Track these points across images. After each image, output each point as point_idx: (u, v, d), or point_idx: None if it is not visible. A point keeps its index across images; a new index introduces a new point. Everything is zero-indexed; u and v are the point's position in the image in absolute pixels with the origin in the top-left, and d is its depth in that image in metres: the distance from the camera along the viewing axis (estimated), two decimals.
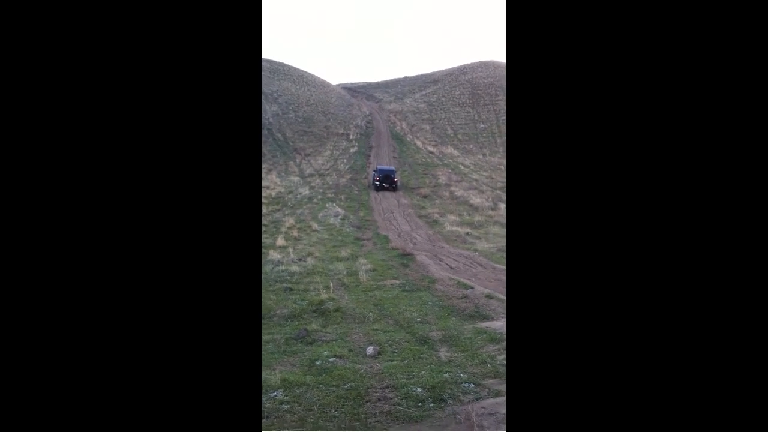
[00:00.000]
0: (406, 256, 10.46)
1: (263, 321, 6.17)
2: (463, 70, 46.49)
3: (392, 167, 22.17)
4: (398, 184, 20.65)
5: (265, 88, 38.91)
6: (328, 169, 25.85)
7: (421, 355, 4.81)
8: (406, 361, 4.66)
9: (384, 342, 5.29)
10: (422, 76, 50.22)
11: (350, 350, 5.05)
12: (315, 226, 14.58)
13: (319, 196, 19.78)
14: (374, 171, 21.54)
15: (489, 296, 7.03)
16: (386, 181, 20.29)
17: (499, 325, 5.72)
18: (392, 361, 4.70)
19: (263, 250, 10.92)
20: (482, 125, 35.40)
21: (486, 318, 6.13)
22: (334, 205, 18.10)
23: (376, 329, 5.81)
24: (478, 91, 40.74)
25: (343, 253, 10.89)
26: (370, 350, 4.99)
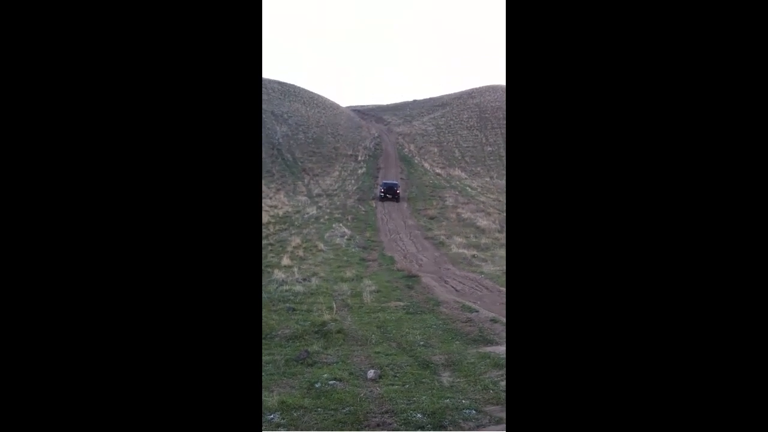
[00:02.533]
0: (412, 278, 10.38)
1: (264, 341, 6.11)
2: (471, 93, 46.92)
3: (396, 181, 25.01)
4: (400, 195, 23.40)
5: (275, 109, 39.50)
6: (335, 190, 25.95)
7: (423, 380, 4.72)
8: (407, 386, 4.57)
9: (385, 365, 5.20)
10: (431, 99, 50.76)
11: (351, 373, 4.96)
12: (321, 246, 14.56)
13: (326, 216, 19.82)
14: (380, 185, 24.65)
15: (494, 320, 6.92)
16: (389, 193, 23.12)
17: (503, 349, 5.61)
18: (393, 385, 4.61)
19: (268, 269, 10.90)
20: (490, 148, 35.52)
21: (490, 342, 6.02)
22: (341, 225, 18.11)
23: (378, 352, 5.72)
24: (486, 115, 41.01)
25: (348, 274, 10.83)
26: (371, 373, 4.90)
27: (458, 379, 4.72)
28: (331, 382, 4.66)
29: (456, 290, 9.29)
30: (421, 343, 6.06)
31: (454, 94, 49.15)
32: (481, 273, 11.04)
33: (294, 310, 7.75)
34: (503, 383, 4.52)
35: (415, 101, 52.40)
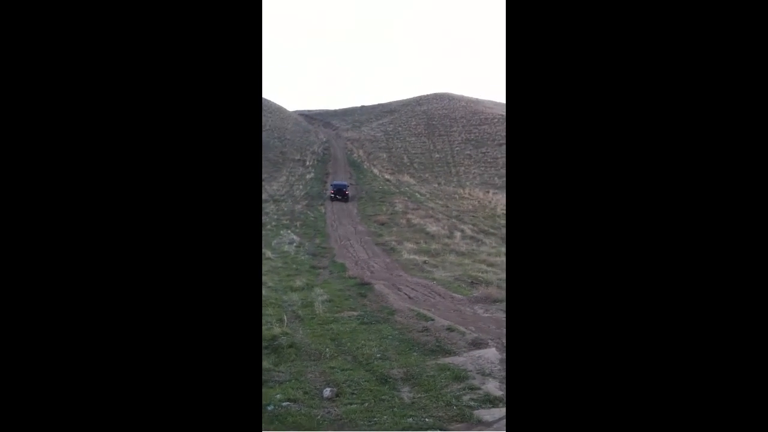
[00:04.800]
0: (364, 286, 10.14)
1: None
2: (419, 101, 47.57)
3: (345, 182, 25.56)
4: (349, 195, 24.24)
5: None
6: (283, 195, 25.31)
7: (382, 397, 4.49)
8: (366, 404, 4.33)
9: (342, 382, 4.93)
10: (379, 105, 50.97)
11: (305, 392, 4.65)
12: (269, 253, 14.02)
13: (274, 223, 19.20)
14: (330, 185, 25.24)
15: (450, 329, 6.82)
16: (339, 194, 23.89)
17: (462, 360, 5.50)
18: (351, 404, 4.35)
19: None
20: (437, 155, 36.05)
21: (448, 353, 5.89)
22: (289, 231, 17.59)
23: (333, 367, 5.43)
24: (434, 122, 41.67)
25: (298, 283, 10.43)
26: (327, 392, 4.62)
27: (419, 395, 4.53)
28: (284, 403, 4.33)
29: (410, 297, 9.15)
30: (378, 355, 5.83)
31: (403, 100, 49.64)
32: (433, 279, 10.98)
33: None
34: (465, 398, 4.37)
35: (363, 107, 52.41)
